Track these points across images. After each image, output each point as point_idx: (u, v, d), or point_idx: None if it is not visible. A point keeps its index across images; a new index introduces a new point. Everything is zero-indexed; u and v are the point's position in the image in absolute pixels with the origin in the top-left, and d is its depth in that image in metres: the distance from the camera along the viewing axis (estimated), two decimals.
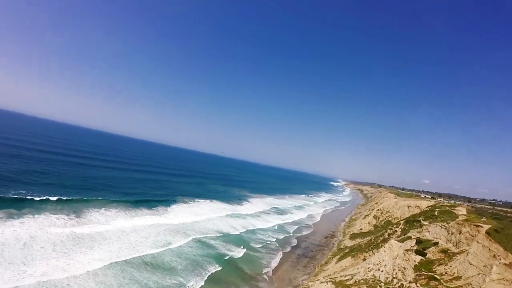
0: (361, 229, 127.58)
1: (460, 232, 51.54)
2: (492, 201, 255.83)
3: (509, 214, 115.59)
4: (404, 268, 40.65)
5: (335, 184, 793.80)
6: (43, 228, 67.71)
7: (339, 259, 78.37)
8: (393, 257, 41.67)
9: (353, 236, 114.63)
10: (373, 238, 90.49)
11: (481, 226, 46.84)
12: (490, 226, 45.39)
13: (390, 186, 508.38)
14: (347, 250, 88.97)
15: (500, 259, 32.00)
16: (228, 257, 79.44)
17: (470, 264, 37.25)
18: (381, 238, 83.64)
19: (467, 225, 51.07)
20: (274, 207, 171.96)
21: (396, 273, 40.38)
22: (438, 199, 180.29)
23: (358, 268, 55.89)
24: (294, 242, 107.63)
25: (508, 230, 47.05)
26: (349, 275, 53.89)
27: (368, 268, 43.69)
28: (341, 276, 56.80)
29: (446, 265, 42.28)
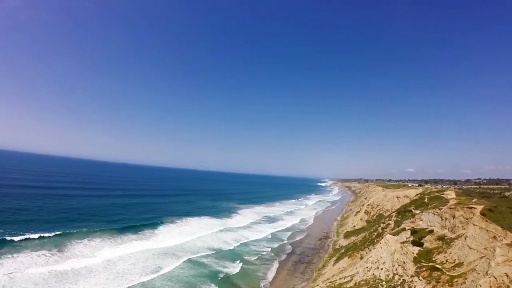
0: (354, 226, 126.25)
1: (453, 217, 50.33)
2: (477, 180, 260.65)
3: (496, 191, 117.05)
4: (404, 262, 38.88)
5: (322, 184, 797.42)
6: (23, 268, 63.55)
7: (336, 261, 76.25)
8: (391, 252, 39.88)
9: (347, 235, 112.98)
10: (367, 234, 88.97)
11: (474, 208, 45.71)
12: (483, 206, 44.27)
13: (377, 180, 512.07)
14: (343, 250, 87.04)
15: (501, 240, 30.52)
16: (223, 274, 76.08)
17: (470, 248, 35.74)
18: (375, 233, 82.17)
19: (459, 208, 49.92)
20: (265, 216, 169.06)
21: (396, 269, 38.57)
22: (426, 186, 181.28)
23: (356, 268, 53.95)
24: (289, 249, 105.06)
25: (501, 207, 46.07)
26: (348, 276, 51.85)
27: (367, 267, 41.74)
28: (340, 278, 54.71)
29: (445, 252, 40.71)
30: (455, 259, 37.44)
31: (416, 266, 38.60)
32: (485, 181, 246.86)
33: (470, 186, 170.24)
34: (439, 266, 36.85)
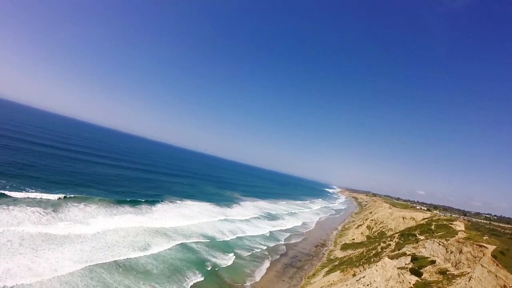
0: (353, 239, 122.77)
1: (460, 252, 46.87)
2: (487, 215, 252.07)
3: (507, 231, 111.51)
4: None
5: (330, 190, 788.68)
6: (16, 222, 63.26)
7: (328, 272, 73.42)
8: (386, 278, 36.94)
9: (345, 247, 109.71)
10: (365, 251, 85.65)
11: (485, 247, 42.21)
12: (494, 247, 40.79)
13: (385, 195, 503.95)
14: (336, 263, 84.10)
15: (507, 286, 27.33)
16: (211, 264, 74.36)
17: None
18: (373, 252, 78.85)
19: (468, 244, 46.39)
20: (266, 212, 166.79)
21: None
22: (434, 211, 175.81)
23: (347, 285, 51.08)
24: (283, 250, 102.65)
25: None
26: None
27: None
28: None
29: None
30: None
31: None
32: (496, 217, 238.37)
33: (480, 220, 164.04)
34: None
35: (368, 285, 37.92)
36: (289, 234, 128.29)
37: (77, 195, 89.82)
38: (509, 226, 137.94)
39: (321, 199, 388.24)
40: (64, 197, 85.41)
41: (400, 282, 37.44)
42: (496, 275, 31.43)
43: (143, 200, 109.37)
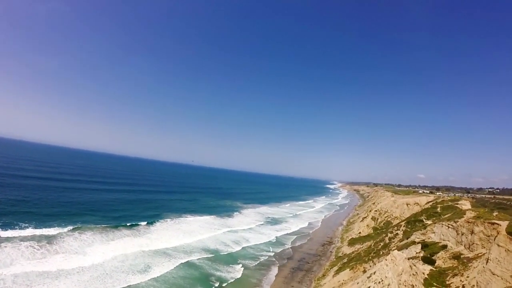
0: (359, 233, 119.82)
1: (472, 232, 44.21)
2: (490, 190, 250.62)
3: None
4: (413, 286, 33.13)
5: (331, 186, 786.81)
6: (9, 260, 60.65)
7: (337, 272, 70.39)
8: (398, 273, 34.17)
9: (352, 242, 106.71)
10: (372, 244, 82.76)
11: (497, 224, 39.58)
12: (507, 222, 38.18)
13: (386, 184, 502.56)
14: (345, 260, 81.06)
15: None
16: (215, 279, 71.06)
17: (493, 274, 29.82)
18: (381, 244, 76.01)
19: (479, 223, 43.75)
20: (269, 217, 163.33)
21: None
22: (437, 193, 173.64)
23: (358, 283, 48.15)
24: (290, 254, 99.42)
25: None
26: None
27: (369, 287, 36.08)
28: None
29: (462, 275, 34.85)
30: (474, 285, 31.56)
31: None
32: (499, 190, 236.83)
33: (483, 196, 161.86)
34: None
35: (379, 282, 35.11)
36: (295, 236, 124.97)
37: (72, 226, 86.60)
38: None
39: (323, 197, 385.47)
40: (59, 229, 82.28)
41: (413, 274, 34.68)
42: None
43: (140, 221, 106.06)
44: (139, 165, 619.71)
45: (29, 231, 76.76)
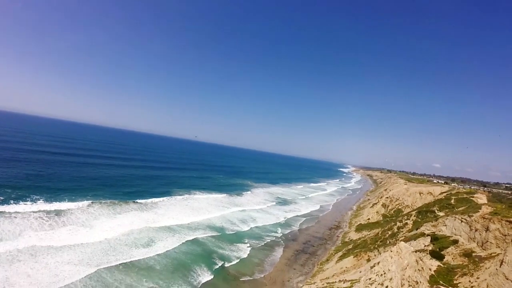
0: (368, 219, 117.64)
1: (487, 229, 41.47)
2: (507, 185, 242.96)
3: None
4: (417, 283, 31.08)
5: (344, 170, 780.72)
6: (17, 230, 61.94)
7: (341, 258, 68.93)
8: (402, 267, 32.12)
9: (359, 228, 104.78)
10: (380, 232, 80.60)
11: None
12: None
13: (400, 171, 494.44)
14: (350, 246, 79.43)
15: None
16: (218, 257, 70.82)
17: (507, 279, 27.44)
18: (389, 232, 73.74)
19: (496, 220, 40.89)
20: (279, 198, 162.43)
21: None
22: (452, 184, 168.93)
23: (360, 272, 46.49)
24: (296, 236, 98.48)
25: None
26: (348, 281, 44.57)
27: (370, 279, 34.21)
28: (339, 281, 47.58)
29: (472, 275, 32.55)
30: None
31: None
32: None
33: (500, 191, 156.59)
34: None
35: (381, 275, 33.19)
36: (304, 219, 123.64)
37: (82, 200, 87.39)
38: None
39: (336, 180, 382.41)
40: (69, 202, 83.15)
41: (419, 270, 32.59)
42: None
43: (149, 197, 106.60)
44: (149, 141, 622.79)
45: (40, 204, 77.95)
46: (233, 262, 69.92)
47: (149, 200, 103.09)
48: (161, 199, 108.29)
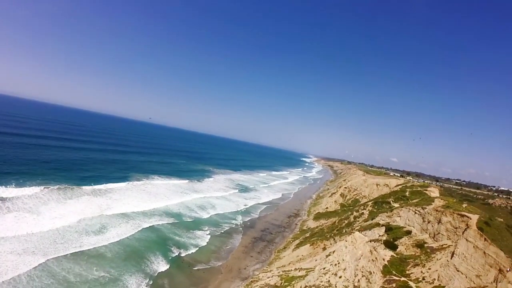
0: (326, 208, 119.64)
1: (439, 221, 42.36)
2: (457, 181, 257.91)
3: (479, 196, 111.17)
4: (370, 273, 30.81)
5: (307, 160, 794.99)
6: None
7: (298, 246, 69.02)
8: (356, 257, 31.77)
9: (318, 216, 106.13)
10: (337, 221, 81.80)
11: (467, 217, 37.54)
12: (477, 216, 36.15)
13: (360, 163, 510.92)
14: (308, 234, 79.99)
15: (505, 272, 22.20)
16: (174, 244, 68.34)
17: (457, 270, 27.64)
18: (346, 222, 74.88)
19: (448, 213, 41.80)
20: (241, 185, 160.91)
21: (358, 281, 30.52)
22: (407, 178, 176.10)
23: (316, 260, 46.30)
24: (255, 223, 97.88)
25: (495, 219, 38.18)
26: (304, 269, 44.21)
27: (324, 268, 33.70)
28: (295, 269, 47.18)
29: (424, 266, 32.85)
30: (435, 279, 29.43)
31: (385, 279, 30.55)
32: (465, 182, 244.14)
33: (451, 186, 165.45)
34: (413, 285, 28.74)
35: (336, 264, 32.70)
36: (264, 206, 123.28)
37: (31, 184, 79.99)
38: (480, 191, 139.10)
39: (299, 169, 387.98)
40: (16, 187, 75.71)
41: (372, 260, 32.32)
42: (484, 252, 26.52)
43: (105, 182, 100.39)
44: (109, 123, 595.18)
45: None
46: (190, 250, 67.69)
47: (105, 185, 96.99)
48: (118, 184, 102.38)
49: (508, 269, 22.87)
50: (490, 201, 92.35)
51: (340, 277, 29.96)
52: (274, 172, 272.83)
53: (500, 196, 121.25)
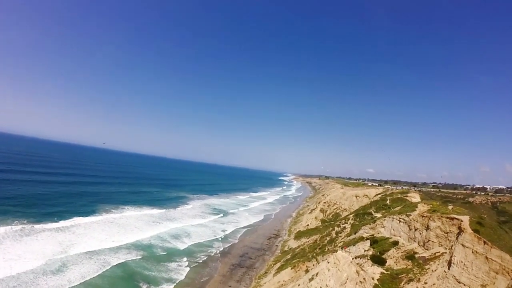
0: (307, 225, 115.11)
1: (427, 228, 38.86)
2: (434, 184, 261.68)
3: (458, 196, 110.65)
4: None
5: (285, 179, 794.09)
6: None
7: (278, 270, 63.66)
8: (342, 281, 27.44)
9: (298, 235, 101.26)
10: (318, 239, 77.34)
11: (458, 219, 34.17)
12: (467, 217, 32.86)
13: (337, 177, 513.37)
14: (289, 256, 74.85)
15: None
16: (145, 283, 61.42)
17: (458, 282, 23.76)
18: (327, 238, 70.60)
19: (436, 218, 38.39)
20: (217, 209, 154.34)
21: None
22: (386, 186, 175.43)
23: (299, 286, 41.32)
24: (233, 248, 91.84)
25: (484, 218, 35.00)
26: None
27: None
28: None
29: (419, 281, 28.81)
30: None
31: None
32: (441, 185, 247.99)
33: (429, 189, 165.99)
34: None
35: None
36: (242, 230, 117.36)
37: None
38: (458, 191, 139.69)
39: (278, 188, 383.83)
40: None
41: (360, 282, 28.02)
42: (486, 257, 22.89)
43: (71, 216, 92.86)
44: (75, 151, 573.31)
45: None
46: (162, 286, 61.25)
47: (71, 220, 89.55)
48: (84, 218, 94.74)
49: (505, 265, 19.23)
50: (471, 199, 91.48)
51: None
52: (253, 194, 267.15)
53: (479, 193, 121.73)
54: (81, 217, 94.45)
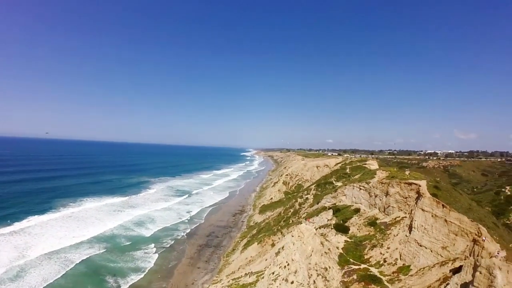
0: (271, 198, 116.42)
1: (386, 194, 39.91)
2: (389, 151, 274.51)
3: (413, 161, 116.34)
4: (326, 269, 26.60)
5: (247, 154, 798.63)
6: None
7: (245, 246, 63.88)
8: (307, 254, 27.42)
9: (263, 209, 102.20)
10: (282, 211, 78.33)
11: (416, 184, 35.15)
12: (425, 181, 33.86)
13: (298, 149, 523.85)
14: (255, 231, 75.31)
15: (481, 242, 18.93)
16: (109, 274, 59.06)
17: (420, 245, 24.45)
18: (291, 210, 71.61)
19: (394, 183, 39.44)
20: (181, 191, 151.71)
21: (314, 282, 26.16)
22: (345, 155, 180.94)
23: (266, 260, 41.43)
24: (199, 229, 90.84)
25: (440, 182, 36.27)
26: (254, 273, 39.12)
27: (273, 274, 28.80)
28: (245, 275, 41.91)
29: (382, 246, 29.55)
30: (397, 259, 26.02)
31: (344, 271, 26.48)
32: (396, 151, 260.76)
33: (386, 156, 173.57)
34: (376, 272, 24.92)
35: (285, 267, 27.88)
36: (208, 209, 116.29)
37: None
38: (412, 157, 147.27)
39: (241, 164, 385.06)
40: None
41: (325, 253, 28.18)
42: (445, 220, 23.53)
43: (26, 217, 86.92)
44: (20, 145, 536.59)
45: None
46: (129, 276, 59.28)
47: (26, 221, 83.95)
48: (40, 217, 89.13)
49: (483, 238, 19.80)
50: (424, 164, 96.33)
51: (292, 282, 25.24)
52: (216, 172, 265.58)
53: (431, 158, 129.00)
54: (36, 216, 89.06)
